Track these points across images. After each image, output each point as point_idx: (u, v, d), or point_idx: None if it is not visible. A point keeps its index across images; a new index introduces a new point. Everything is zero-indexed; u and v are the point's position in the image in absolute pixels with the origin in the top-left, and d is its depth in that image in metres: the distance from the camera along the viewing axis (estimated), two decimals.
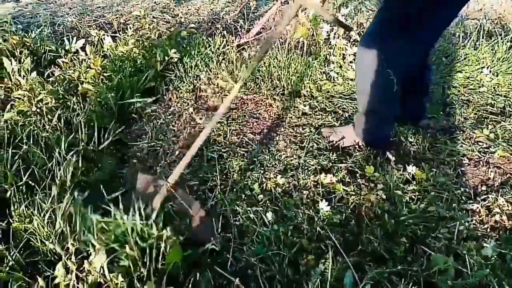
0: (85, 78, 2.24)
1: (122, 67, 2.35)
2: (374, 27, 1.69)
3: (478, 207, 1.65)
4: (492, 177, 1.83)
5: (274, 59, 2.63)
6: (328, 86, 2.47)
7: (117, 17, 3.40)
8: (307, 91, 2.45)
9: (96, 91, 2.14)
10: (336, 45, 2.65)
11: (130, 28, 2.46)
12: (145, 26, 2.61)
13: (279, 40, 2.69)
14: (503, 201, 1.66)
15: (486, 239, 1.50)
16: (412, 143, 2.04)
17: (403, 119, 2.12)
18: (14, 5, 3.67)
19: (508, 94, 2.39)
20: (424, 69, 1.97)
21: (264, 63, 2.65)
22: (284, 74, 2.54)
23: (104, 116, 2.09)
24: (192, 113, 2.32)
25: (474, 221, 1.60)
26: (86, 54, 2.45)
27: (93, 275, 1.27)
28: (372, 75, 1.72)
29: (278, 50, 2.67)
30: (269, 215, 1.56)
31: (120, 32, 2.51)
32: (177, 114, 2.30)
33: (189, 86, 2.52)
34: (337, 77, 2.53)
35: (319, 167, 1.88)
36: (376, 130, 1.96)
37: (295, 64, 2.57)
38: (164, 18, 3.45)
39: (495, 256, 1.40)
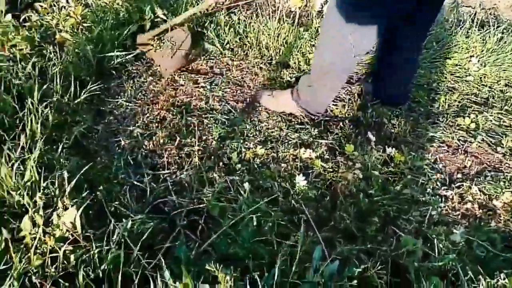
0: (64, 27, 2.11)
1: (104, 19, 2.22)
2: None
3: (451, 194, 1.68)
4: (468, 166, 1.85)
5: (264, 26, 2.55)
6: None
7: None
8: (294, 63, 2.39)
9: (74, 41, 2.02)
10: None
11: None
12: None
13: (270, 7, 2.60)
14: (476, 190, 1.68)
15: (456, 226, 1.52)
16: (394, 125, 2.03)
17: (385, 99, 2.11)
18: None
19: (493, 86, 2.40)
20: (405, 52, 1.93)
21: (254, 29, 2.56)
22: (272, 43, 2.47)
23: (81, 69, 1.99)
24: (174, 74, 2.24)
25: (446, 207, 1.63)
26: (68, 1, 2.31)
27: (61, 230, 1.23)
28: (333, 39, 1.69)
29: (269, 18, 2.59)
30: (246, 185, 1.53)
31: None
32: (158, 74, 2.22)
33: None
34: None
35: (300, 141, 1.86)
36: (318, 97, 1.92)
37: (285, 34, 2.50)
38: None
39: (462, 243, 1.43)
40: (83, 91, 1.88)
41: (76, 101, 1.86)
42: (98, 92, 1.96)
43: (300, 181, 1.61)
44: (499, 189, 1.70)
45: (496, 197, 1.66)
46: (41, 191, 1.33)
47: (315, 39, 2.53)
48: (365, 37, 1.62)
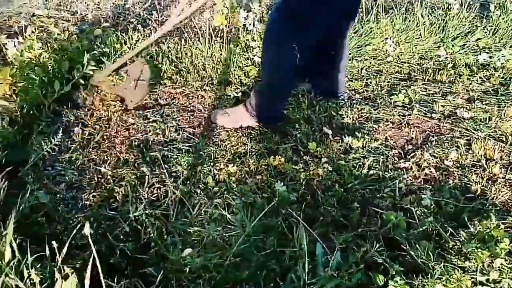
0: None
1: (31, 75, 2.11)
2: (281, 3, 1.81)
3: (409, 164, 1.86)
4: (414, 136, 2.06)
5: (195, 49, 2.60)
6: (254, 71, 2.51)
7: (4, 20, 3.02)
8: (235, 78, 2.47)
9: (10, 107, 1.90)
10: (254, 31, 2.70)
11: (34, 32, 2.19)
12: (49, 27, 2.35)
13: (198, 29, 2.66)
14: (428, 156, 1.89)
15: (422, 191, 1.70)
16: (342, 116, 2.20)
17: (326, 94, 2.28)
18: None
19: (410, 61, 2.69)
20: (336, 47, 2.11)
21: (186, 54, 2.60)
22: (208, 64, 2.53)
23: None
24: (122, 114, 2.19)
25: (409, 177, 1.80)
26: None
27: None
28: (276, 49, 1.84)
29: (198, 40, 2.64)
30: (238, 203, 1.58)
31: (22, 36, 2.23)
32: (105, 119, 2.16)
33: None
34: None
35: (266, 151, 1.93)
36: (272, 105, 2.06)
37: (218, 52, 2.57)
38: (63, 17, 3.15)
39: (433, 205, 1.61)
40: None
41: (25, 167, 1.77)
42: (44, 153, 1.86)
43: (280, 187, 1.68)
44: (446, 150, 1.93)
45: (446, 158, 1.88)
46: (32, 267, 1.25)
47: (247, 52, 2.63)
48: (308, 37, 1.76)
